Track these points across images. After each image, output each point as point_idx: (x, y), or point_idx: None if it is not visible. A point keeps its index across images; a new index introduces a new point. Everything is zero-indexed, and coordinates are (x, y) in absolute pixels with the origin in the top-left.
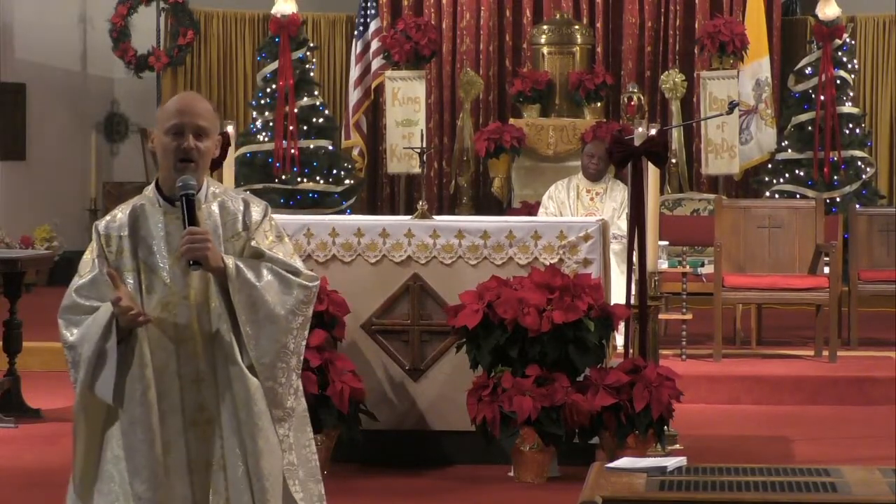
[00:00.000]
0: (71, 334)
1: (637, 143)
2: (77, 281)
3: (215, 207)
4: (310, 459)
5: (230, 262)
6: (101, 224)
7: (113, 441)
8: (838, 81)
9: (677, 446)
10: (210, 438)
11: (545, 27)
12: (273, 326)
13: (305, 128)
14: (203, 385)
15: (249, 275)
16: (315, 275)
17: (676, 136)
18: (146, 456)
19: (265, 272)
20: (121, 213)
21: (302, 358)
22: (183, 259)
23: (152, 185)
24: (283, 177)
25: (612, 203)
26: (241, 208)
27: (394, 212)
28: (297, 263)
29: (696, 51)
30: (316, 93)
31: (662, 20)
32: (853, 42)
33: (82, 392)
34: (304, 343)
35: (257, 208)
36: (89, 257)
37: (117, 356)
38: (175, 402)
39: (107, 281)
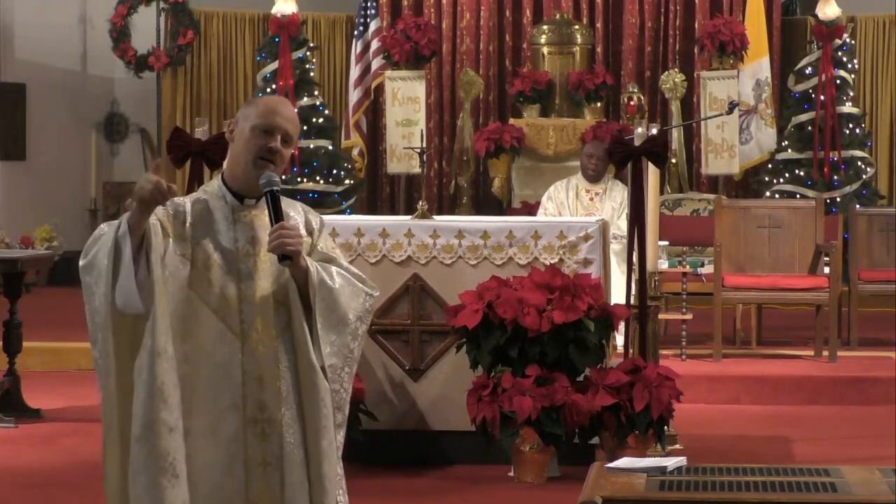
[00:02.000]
0: (90, 254)
1: (637, 143)
2: None
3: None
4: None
5: (310, 262)
6: (163, 206)
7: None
8: (838, 81)
9: (677, 446)
10: (269, 437)
11: (545, 27)
12: (345, 330)
13: (305, 128)
14: (265, 384)
15: (326, 277)
16: (375, 286)
17: (676, 136)
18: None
19: (337, 277)
20: (185, 202)
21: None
22: (274, 252)
23: (217, 181)
24: (283, 177)
25: (611, 203)
26: (302, 215)
27: (394, 212)
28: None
29: (696, 51)
30: (316, 93)
31: (662, 20)
32: (853, 42)
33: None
34: (361, 352)
35: (315, 217)
36: None
37: (133, 260)
38: (237, 398)
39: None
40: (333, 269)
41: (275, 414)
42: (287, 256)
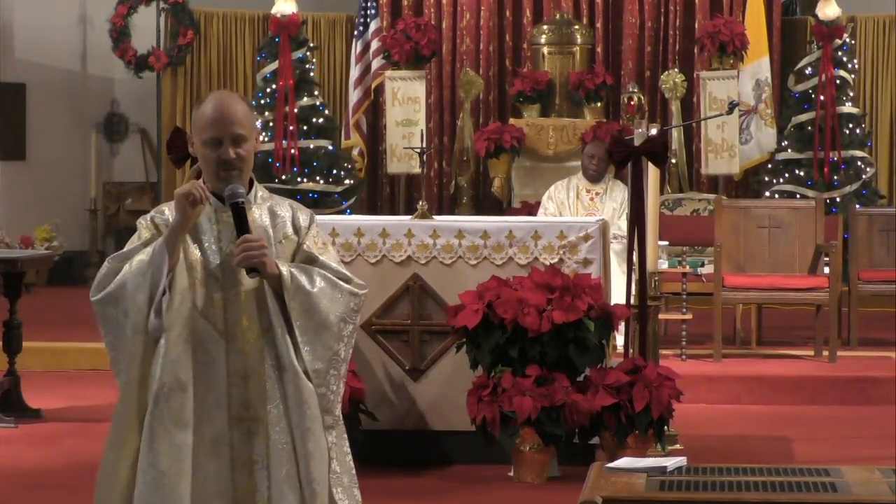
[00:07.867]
0: (111, 285)
1: (637, 143)
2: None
3: (264, 211)
4: (352, 467)
5: (284, 268)
6: (148, 216)
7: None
8: (838, 81)
9: (677, 446)
10: (254, 436)
11: (545, 27)
12: (326, 333)
13: (305, 128)
14: (251, 382)
15: (303, 281)
16: (364, 283)
17: (676, 136)
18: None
19: (318, 278)
20: (168, 209)
21: (348, 367)
22: (240, 267)
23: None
24: (283, 177)
25: (612, 203)
26: (290, 212)
27: (394, 212)
28: (346, 271)
29: (696, 51)
30: (316, 93)
31: (662, 20)
32: (853, 42)
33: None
34: (351, 351)
35: (304, 214)
36: (136, 244)
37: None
38: (221, 397)
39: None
40: (316, 271)
41: (260, 412)
42: (254, 269)
